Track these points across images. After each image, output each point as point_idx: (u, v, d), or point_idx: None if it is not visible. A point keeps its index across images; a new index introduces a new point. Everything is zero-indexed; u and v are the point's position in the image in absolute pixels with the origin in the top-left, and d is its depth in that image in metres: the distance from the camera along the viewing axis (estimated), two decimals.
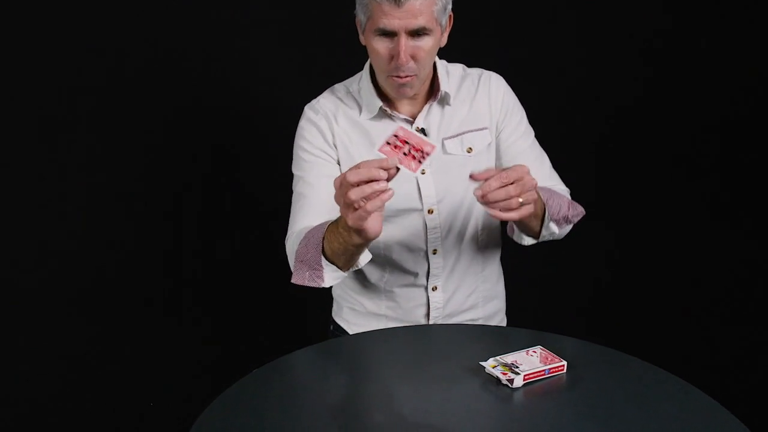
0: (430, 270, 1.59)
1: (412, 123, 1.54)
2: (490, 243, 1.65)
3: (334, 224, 1.34)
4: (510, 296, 1.77)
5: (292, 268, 1.47)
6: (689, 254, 2.59)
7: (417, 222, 1.55)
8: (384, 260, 1.58)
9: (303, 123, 1.58)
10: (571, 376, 1.24)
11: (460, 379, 1.24)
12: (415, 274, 1.59)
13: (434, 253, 1.58)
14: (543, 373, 1.24)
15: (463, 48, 1.63)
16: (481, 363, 1.25)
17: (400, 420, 1.13)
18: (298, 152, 1.57)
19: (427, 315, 1.62)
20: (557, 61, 2.42)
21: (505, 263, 1.74)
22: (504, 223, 1.63)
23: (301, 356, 1.33)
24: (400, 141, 1.22)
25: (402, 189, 1.50)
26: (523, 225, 1.47)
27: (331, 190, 1.50)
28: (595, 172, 2.52)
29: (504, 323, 1.75)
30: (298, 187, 1.55)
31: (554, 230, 1.49)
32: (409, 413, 1.14)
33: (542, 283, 2.51)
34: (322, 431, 1.10)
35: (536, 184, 1.27)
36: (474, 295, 1.66)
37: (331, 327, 1.74)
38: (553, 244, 1.58)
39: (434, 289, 1.61)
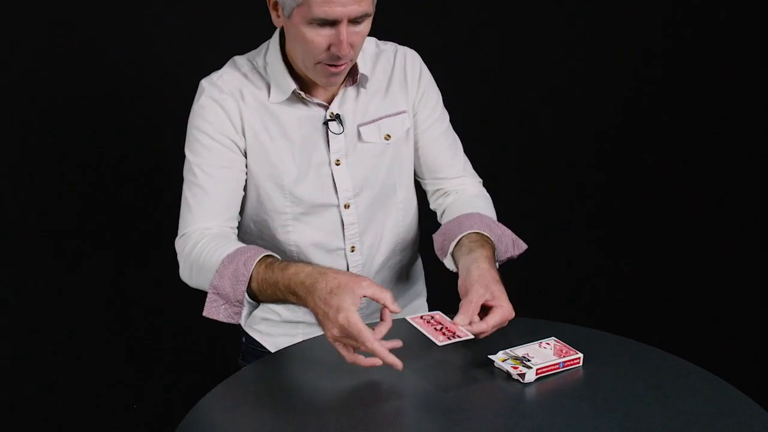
0: (349, 269, 1.50)
1: (327, 108, 1.42)
2: (410, 235, 1.58)
3: (271, 269, 1.22)
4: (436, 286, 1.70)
5: (189, 280, 1.35)
6: (704, 232, 2.55)
7: (333, 218, 1.46)
8: (299, 262, 1.49)
9: (204, 101, 1.39)
10: (587, 369, 1.20)
11: (467, 373, 1.19)
12: None
13: (352, 251, 1.49)
14: (557, 366, 1.19)
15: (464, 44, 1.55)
16: (489, 356, 1.21)
17: (401, 417, 1.09)
18: (195, 134, 1.39)
19: None
20: (558, 56, 2.39)
21: None
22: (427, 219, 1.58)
23: (286, 357, 1.28)
24: (435, 321, 1.22)
25: (315, 182, 1.42)
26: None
27: (233, 184, 1.40)
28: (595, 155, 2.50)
29: (425, 308, 1.70)
30: (193, 176, 1.38)
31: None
32: (412, 410, 1.10)
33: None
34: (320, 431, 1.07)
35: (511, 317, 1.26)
36: (396, 287, 1.59)
37: (244, 339, 1.63)
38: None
39: None
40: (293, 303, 1.22)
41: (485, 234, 1.39)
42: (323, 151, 1.43)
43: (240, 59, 1.45)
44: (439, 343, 1.16)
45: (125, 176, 2.14)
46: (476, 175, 1.61)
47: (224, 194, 1.38)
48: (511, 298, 1.27)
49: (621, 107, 2.47)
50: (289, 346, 1.33)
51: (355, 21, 1.28)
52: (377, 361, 1.13)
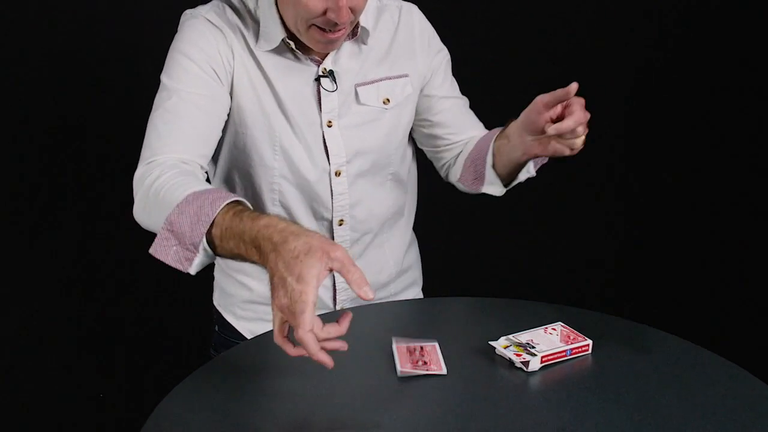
0: None
1: (320, 63, 1.36)
2: (404, 210, 1.53)
3: (239, 217, 1.08)
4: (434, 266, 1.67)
5: (142, 217, 1.21)
6: (724, 215, 2.53)
7: (322, 186, 1.40)
8: (273, 215, 1.42)
9: (196, 24, 1.31)
10: (597, 358, 1.17)
11: (466, 361, 1.15)
12: None
13: (340, 224, 1.43)
14: (564, 354, 1.16)
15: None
16: (490, 343, 1.17)
17: (393, 408, 1.05)
18: (178, 58, 1.30)
19: (334, 298, 1.47)
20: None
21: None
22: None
23: (263, 344, 1.19)
24: (421, 352, 1.16)
25: (305, 145, 1.36)
26: (509, 167, 1.40)
27: (213, 117, 1.29)
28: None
29: (420, 297, 1.64)
30: (168, 101, 1.27)
31: (532, 171, 1.44)
32: (406, 400, 1.07)
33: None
34: (307, 416, 1.03)
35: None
36: (385, 271, 1.53)
37: (216, 328, 1.55)
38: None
39: None
40: (252, 261, 1.08)
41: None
42: (314, 110, 1.37)
43: None
44: (399, 373, 1.10)
45: (87, 150, 2.10)
46: (483, 127, 1.57)
47: (202, 124, 1.28)
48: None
49: (635, 80, 2.46)
50: (266, 333, 1.26)
51: None
52: (301, 352, 1.00)
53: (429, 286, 1.68)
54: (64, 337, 2.21)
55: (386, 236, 1.52)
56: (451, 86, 1.53)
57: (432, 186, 1.63)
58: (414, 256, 1.62)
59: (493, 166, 1.41)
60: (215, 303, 1.57)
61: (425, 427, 1.01)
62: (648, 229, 2.57)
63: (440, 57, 1.49)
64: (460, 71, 1.56)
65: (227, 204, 1.10)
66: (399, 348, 1.16)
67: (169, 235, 1.12)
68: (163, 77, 1.31)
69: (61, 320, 2.19)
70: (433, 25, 1.51)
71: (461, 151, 1.53)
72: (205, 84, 1.29)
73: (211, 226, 1.09)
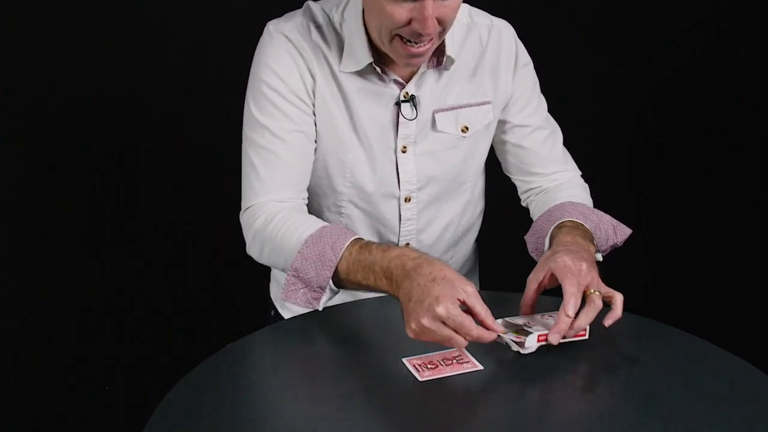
0: None
1: (403, 86, 1.32)
2: (470, 231, 1.52)
3: (367, 249, 1.17)
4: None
5: (259, 257, 1.30)
6: (725, 207, 2.53)
7: (390, 211, 1.39)
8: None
9: (276, 53, 1.29)
10: (602, 351, 1.16)
11: (466, 349, 1.12)
12: None
13: (406, 247, 1.42)
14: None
15: None
16: None
17: (396, 393, 1.06)
18: (264, 91, 1.29)
19: None
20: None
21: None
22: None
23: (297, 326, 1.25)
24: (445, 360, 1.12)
25: (378, 170, 1.35)
26: None
27: (307, 150, 1.32)
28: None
29: None
30: (263, 139, 1.29)
31: (599, 259, 1.34)
32: (403, 386, 1.07)
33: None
34: (313, 410, 1.03)
35: (589, 278, 1.17)
36: None
37: (272, 312, 1.54)
38: None
39: None
40: (381, 291, 1.16)
41: (579, 221, 1.31)
42: (391, 135, 1.35)
43: (315, 7, 1.33)
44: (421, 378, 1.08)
45: (96, 134, 2.12)
46: (577, 168, 1.51)
47: (298, 161, 1.30)
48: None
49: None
50: (298, 316, 1.27)
51: None
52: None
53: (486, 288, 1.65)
54: (69, 329, 2.23)
55: (451, 253, 1.50)
56: (535, 111, 1.45)
57: None
58: (472, 261, 1.59)
59: None
60: (272, 296, 1.56)
61: (424, 414, 1.02)
62: (652, 224, 2.53)
63: (524, 80, 1.43)
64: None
65: (348, 244, 1.19)
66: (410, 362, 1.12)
67: (295, 281, 1.22)
68: (253, 108, 1.31)
69: (66, 314, 2.21)
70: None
71: (542, 191, 1.49)
72: (295, 117, 1.30)
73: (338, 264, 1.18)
